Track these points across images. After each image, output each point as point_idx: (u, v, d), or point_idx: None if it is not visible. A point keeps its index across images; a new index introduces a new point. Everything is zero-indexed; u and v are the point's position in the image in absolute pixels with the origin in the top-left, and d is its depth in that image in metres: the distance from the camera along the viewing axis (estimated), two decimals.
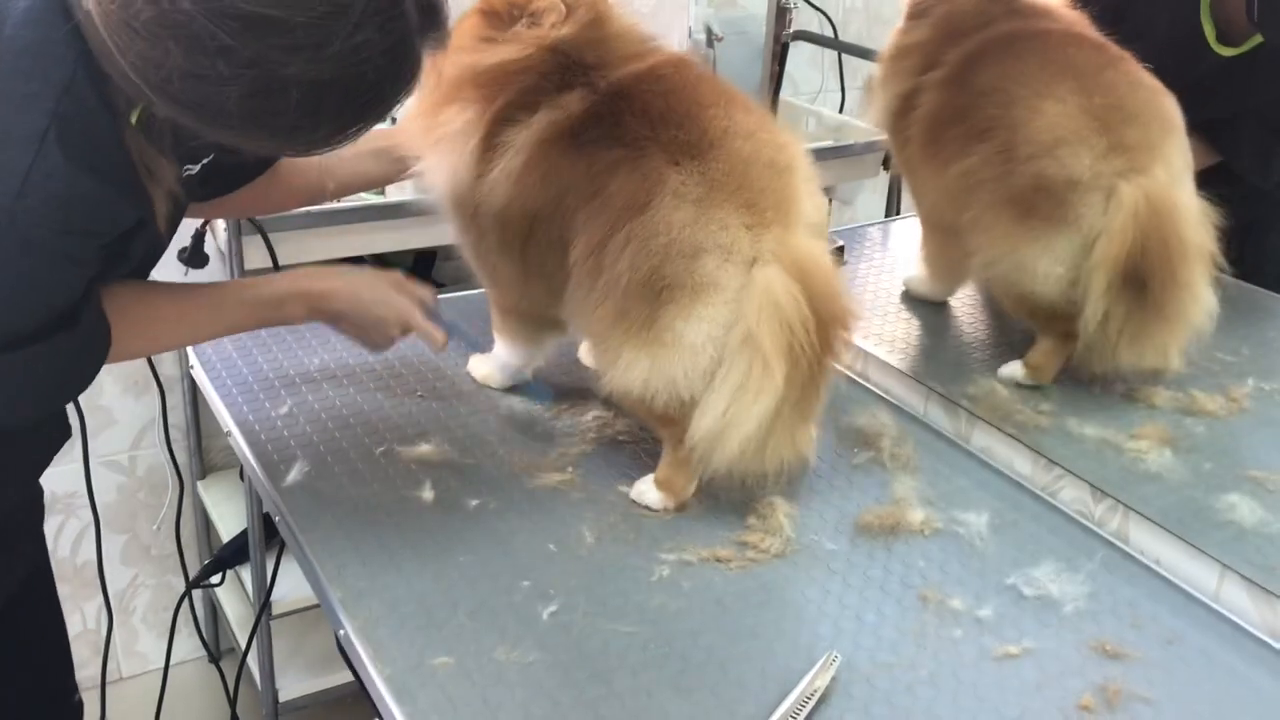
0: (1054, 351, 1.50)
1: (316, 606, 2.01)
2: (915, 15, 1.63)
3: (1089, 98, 1.40)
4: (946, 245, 1.67)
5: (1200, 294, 1.41)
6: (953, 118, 1.52)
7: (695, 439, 1.19)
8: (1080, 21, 1.54)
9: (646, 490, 1.30)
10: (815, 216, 1.25)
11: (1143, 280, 1.37)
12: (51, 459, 1.31)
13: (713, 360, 1.18)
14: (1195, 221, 1.40)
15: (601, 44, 1.29)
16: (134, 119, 1.02)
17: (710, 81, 1.29)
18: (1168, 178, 1.40)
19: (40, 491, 1.38)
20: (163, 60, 0.90)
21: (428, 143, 1.33)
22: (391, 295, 1.34)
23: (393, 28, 0.95)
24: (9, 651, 1.27)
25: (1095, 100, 1.40)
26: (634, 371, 1.19)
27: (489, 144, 1.28)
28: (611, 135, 1.22)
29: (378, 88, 0.98)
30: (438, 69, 1.33)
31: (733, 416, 1.17)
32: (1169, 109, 1.44)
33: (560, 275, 1.27)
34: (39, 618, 1.42)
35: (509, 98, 1.27)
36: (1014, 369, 1.52)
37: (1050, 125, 1.40)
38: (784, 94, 2.49)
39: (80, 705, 1.50)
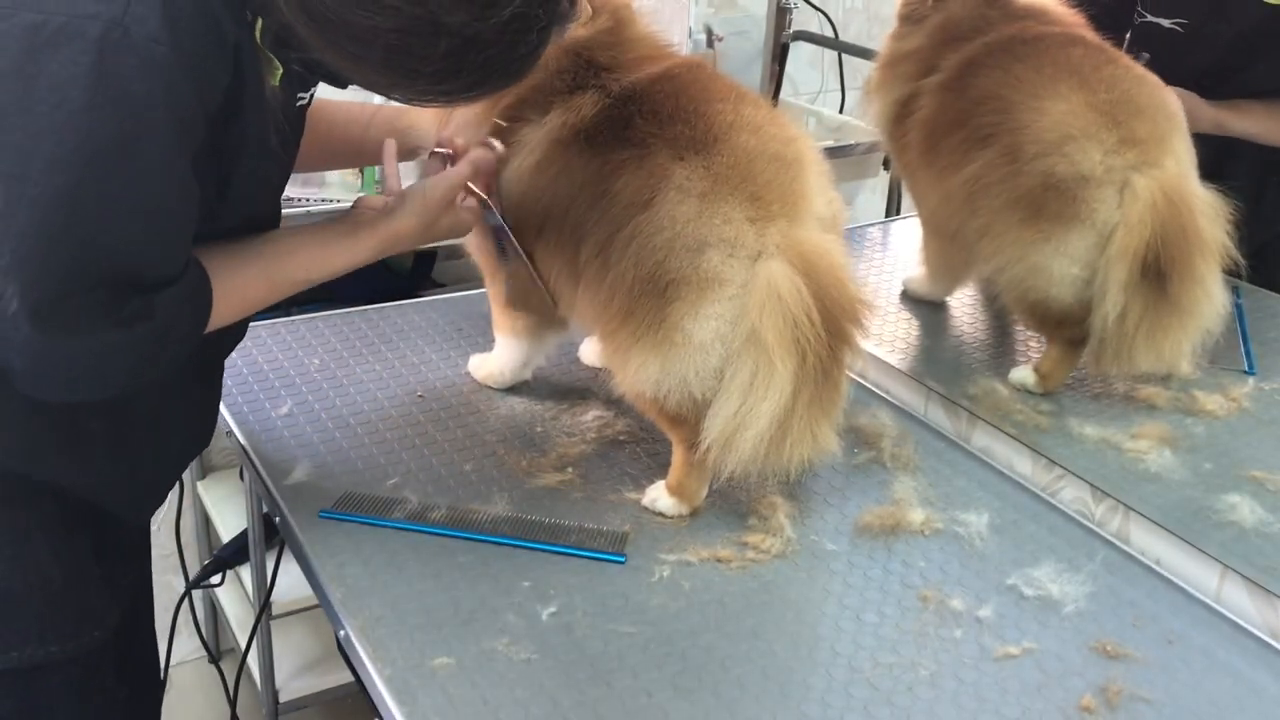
0: (1063, 359, 1.49)
1: (317, 606, 2.01)
2: (909, 20, 1.63)
3: (1093, 94, 1.40)
4: (947, 248, 1.67)
5: (1213, 291, 1.40)
6: (952, 124, 1.51)
7: (709, 441, 1.19)
8: (1078, 23, 1.54)
9: (659, 497, 1.30)
10: (826, 211, 1.24)
11: (1162, 273, 1.36)
12: (204, 443, 1.29)
13: (722, 358, 1.17)
14: (1210, 214, 1.39)
15: (616, 47, 1.29)
16: (258, 34, 0.98)
17: (721, 80, 1.29)
18: (1178, 170, 1.40)
19: (149, 522, 1.34)
20: None
21: (437, 132, 1.33)
22: (448, 222, 1.24)
23: (552, 8, 0.96)
24: (122, 649, 1.24)
25: (1100, 96, 1.40)
26: (645, 372, 1.19)
27: (499, 140, 1.28)
28: (622, 137, 1.22)
29: (518, 62, 0.98)
30: None
31: (744, 417, 1.16)
32: (1172, 103, 1.43)
33: (568, 275, 1.26)
34: (143, 617, 1.39)
35: (519, 93, 1.27)
36: (1024, 374, 1.51)
37: (1056, 123, 1.40)
38: (784, 94, 2.50)
39: (161, 700, 1.48)
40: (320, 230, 1.17)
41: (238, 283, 1.08)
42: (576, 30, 1.28)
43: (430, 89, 0.98)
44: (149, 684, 1.42)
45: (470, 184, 1.24)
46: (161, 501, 1.28)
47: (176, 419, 1.20)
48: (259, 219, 1.14)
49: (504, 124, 1.28)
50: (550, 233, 1.27)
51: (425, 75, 0.95)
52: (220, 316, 1.07)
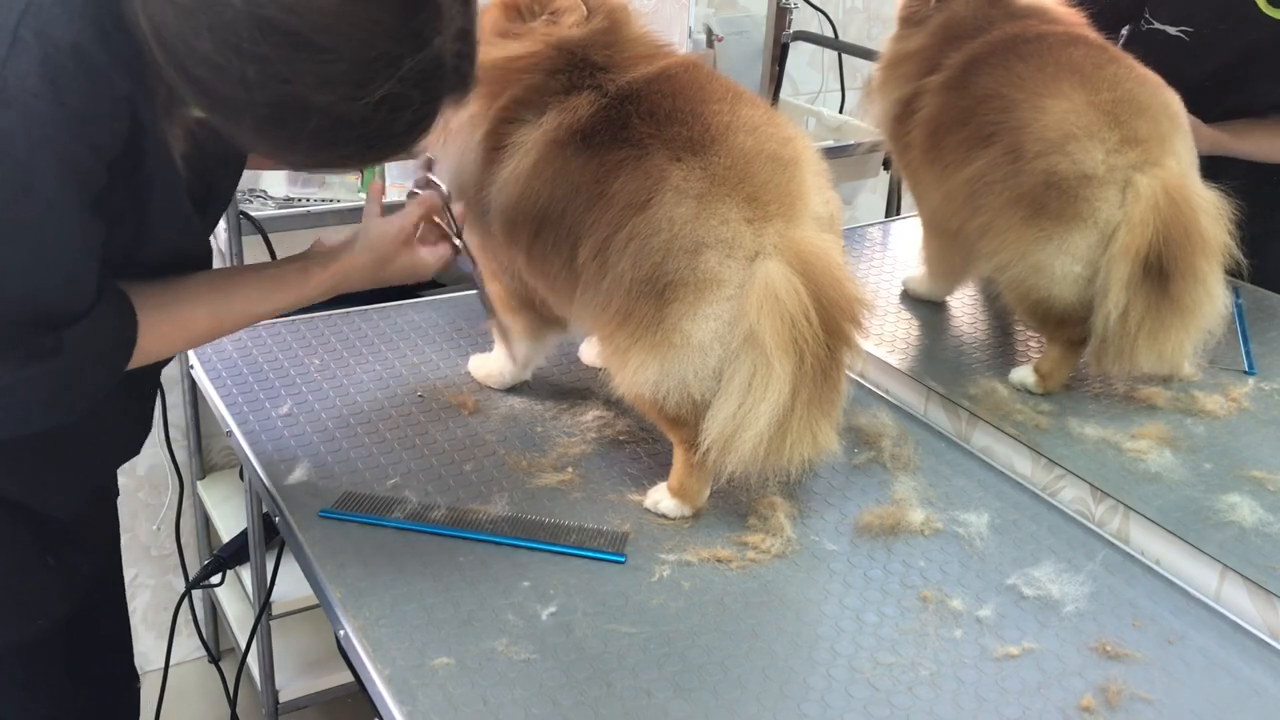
0: (1064, 360, 1.49)
1: (316, 606, 2.01)
2: (910, 21, 1.63)
3: (1096, 93, 1.40)
4: (948, 248, 1.67)
5: (1215, 291, 1.40)
6: (955, 122, 1.51)
7: (708, 442, 1.19)
8: (1079, 22, 1.54)
9: (661, 499, 1.29)
10: (823, 210, 1.23)
11: (1165, 272, 1.36)
12: (131, 454, 1.29)
13: (721, 359, 1.17)
14: (1212, 214, 1.39)
15: (612, 47, 1.29)
16: None
17: (718, 80, 1.29)
18: (1179, 170, 1.40)
19: (114, 480, 1.36)
20: (191, 39, 0.87)
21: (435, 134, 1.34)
22: (404, 262, 1.26)
23: (431, 87, 0.95)
24: (79, 641, 1.26)
25: (1103, 95, 1.40)
26: (644, 374, 1.19)
27: (496, 143, 1.28)
28: (619, 137, 1.22)
29: (398, 137, 0.98)
30: None
31: (743, 418, 1.16)
32: (1174, 103, 1.44)
33: (566, 276, 1.26)
34: (108, 607, 1.41)
35: (515, 94, 1.27)
36: (1024, 374, 1.51)
37: (1059, 122, 1.40)
38: (784, 94, 2.50)
39: (138, 693, 1.50)
40: (272, 267, 1.20)
41: (181, 317, 1.10)
42: (572, 31, 1.28)
43: (309, 158, 0.99)
44: (115, 678, 1.43)
45: (442, 224, 1.27)
46: (86, 502, 1.28)
47: (107, 428, 1.20)
48: (187, 255, 1.14)
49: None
50: (547, 234, 1.27)
51: (300, 148, 0.96)
52: (162, 347, 1.09)
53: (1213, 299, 1.40)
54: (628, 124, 1.22)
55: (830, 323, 1.17)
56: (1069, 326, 1.46)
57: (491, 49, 1.29)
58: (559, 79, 1.27)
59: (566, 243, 1.25)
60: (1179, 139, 1.43)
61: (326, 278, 1.19)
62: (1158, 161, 1.39)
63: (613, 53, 1.28)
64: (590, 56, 1.27)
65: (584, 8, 1.29)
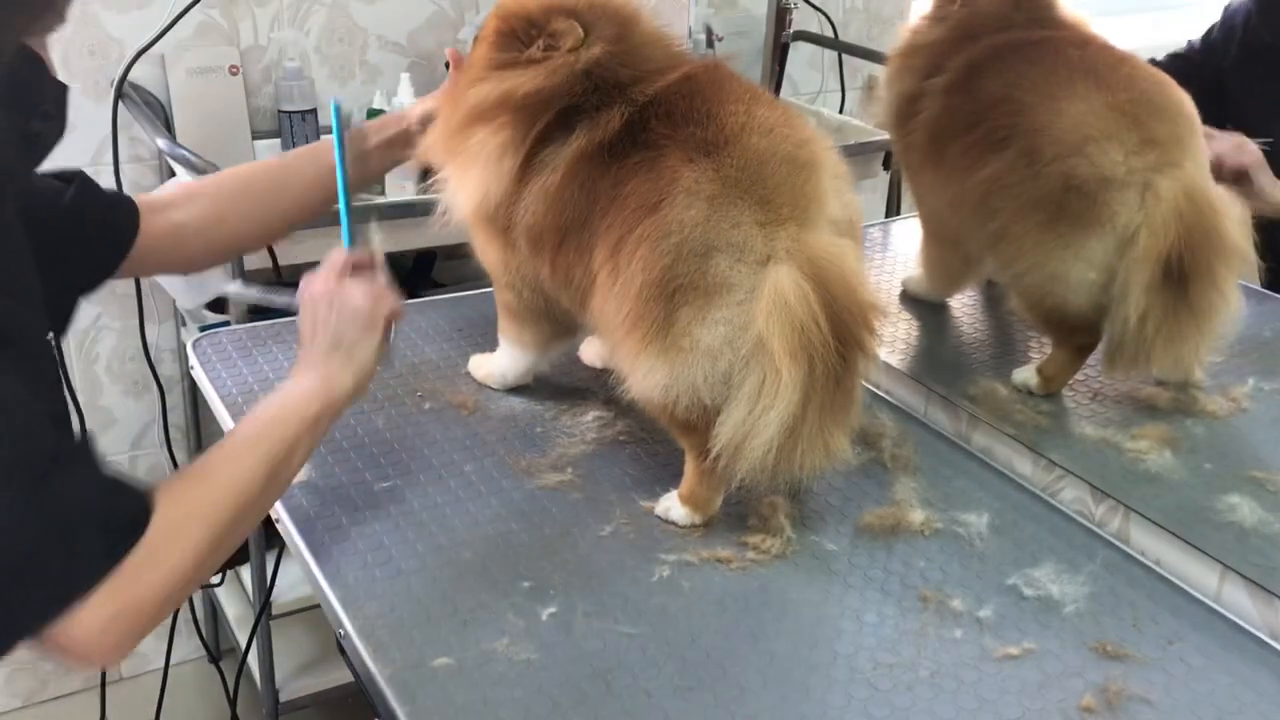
0: (1069, 363, 1.49)
1: (316, 606, 2.01)
2: (935, 18, 1.60)
3: (1112, 94, 1.38)
4: (948, 253, 1.66)
5: (1230, 295, 1.39)
6: (961, 126, 1.49)
7: (718, 449, 1.18)
8: (1091, 30, 1.52)
9: (672, 507, 1.29)
10: (841, 214, 1.22)
11: (1184, 276, 1.34)
12: None
13: (731, 365, 1.16)
14: (1232, 217, 1.38)
15: (632, 57, 1.27)
16: None
17: (737, 81, 1.27)
18: (1197, 172, 1.39)
19: None
20: None
21: (453, 159, 1.33)
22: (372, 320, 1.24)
23: None
24: None
25: (1119, 96, 1.38)
26: (654, 378, 1.18)
27: (526, 163, 1.27)
28: (638, 140, 1.21)
29: None
30: (454, 95, 1.34)
31: (752, 425, 1.15)
32: (1186, 103, 1.41)
33: (585, 282, 1.26)
34: None
35: (549, 119, 1.25)
36: (1027, 376, 1.51)
37: (1076, 124, 1.37)
38: (784, 94, 2.50)
39: None
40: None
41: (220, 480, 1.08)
42: (587, 50, 1.26)
43: None
44: None
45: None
46: None
47: None
48: None
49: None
50: (570, 243, 1.26)
51: None
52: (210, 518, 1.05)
53: (1228, 303, 1.38)
54: (646, 127, 1.21)
55: (842, 329, 1.16)
56: (1081, 332, 1.45)
57: (516, 80, 1.27)
58: (590, 100, 1.25)
59: (586, 249, 1.24)
60: (1194, 140, 1.41)
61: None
62: (1177, 163, 1.37)
63: (634, 65, 1.27)
64: (618, 75, 1.25)
65: (579, 30, 1.27)
